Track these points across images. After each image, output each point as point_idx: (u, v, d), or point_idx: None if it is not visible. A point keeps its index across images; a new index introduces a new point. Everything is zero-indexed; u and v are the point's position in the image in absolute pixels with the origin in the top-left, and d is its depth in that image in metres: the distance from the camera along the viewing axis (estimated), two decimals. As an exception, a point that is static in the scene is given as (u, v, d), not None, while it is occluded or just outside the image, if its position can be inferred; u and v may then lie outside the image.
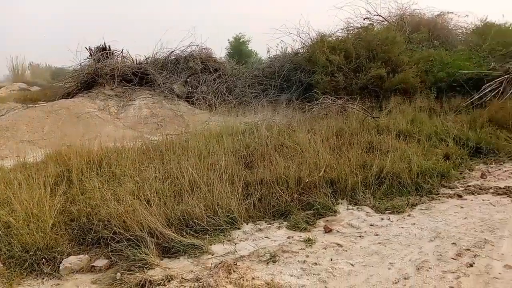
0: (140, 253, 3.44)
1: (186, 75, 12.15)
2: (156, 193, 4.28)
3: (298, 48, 12.02)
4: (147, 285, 3.07)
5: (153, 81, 11.83)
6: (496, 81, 8.75)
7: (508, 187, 4.87)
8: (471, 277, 3.02)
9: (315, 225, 4.13)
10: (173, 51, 13.28)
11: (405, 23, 12.72)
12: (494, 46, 10.91)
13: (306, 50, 11.31)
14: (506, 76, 8.87)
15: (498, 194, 4.70)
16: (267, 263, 3.35)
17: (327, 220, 4.24)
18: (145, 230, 3.65)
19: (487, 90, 8.52)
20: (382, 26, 12.72)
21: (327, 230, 3.95)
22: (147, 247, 3.49)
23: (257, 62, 15.23)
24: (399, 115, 7.61)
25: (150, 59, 13.19)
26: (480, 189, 4.90)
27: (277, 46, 12.90)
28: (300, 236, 3.84)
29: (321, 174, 4.89)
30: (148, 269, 3.31)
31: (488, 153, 6.21)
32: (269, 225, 4.15)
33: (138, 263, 3.37)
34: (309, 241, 3.71)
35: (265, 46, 18.76)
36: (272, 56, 13.17)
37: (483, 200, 4.59)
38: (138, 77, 12.08)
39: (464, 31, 14.16)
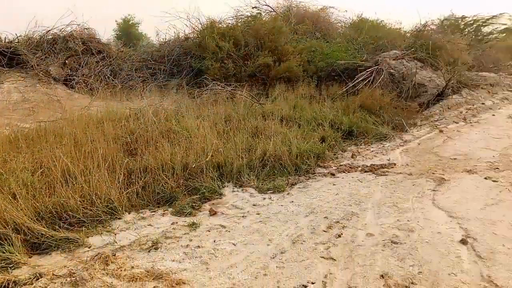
0: (4, 252, 3.09)
1: (65, 57, 11.08)
2: (24, 185, 3.86)
3: (189, 33, 11.83)
4: (11, 286, 2.77)
5: (26, 63, 10.51)
6: (367, 71, 9.74)
7: (373, 165, 5.49)
8: (339, 246, 3.34)
9: (201, 209, 4.16)
10: (50, 30, 11.96)
11: (291, 14, 13.35)
12: (367, 40, 12.11)
13: (196, 35, 11.18)
14: (375, 67, 9.94)
15: (365, 172, 5.28)
16: (149, 251, 3.28)
17: (213, 203, 4.30)
18: (9, 227, 3.28)
19: (359, 79, 9.45)
20: (270, 16, 13.20)
21: (212, 213, 4.01)
22: (12, 244, 3.15)
23: (147, 45, 14.59)
24: (283, 101, 8.02)
25: (22, 37, 11.70)
26: (350, 167, 5.44)
27: (167, 30, 12.53)
28: (185, 221, 3.83)
29: (208, 158, 4.93)
30: (14, 269, 3.00)
31: (358, 136, 6.91)
32: (153, 213, 4.06)
33: (1, 263, 3.02)
34: (193, 225, 3.73)
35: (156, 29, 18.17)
36: (162, 39, 12.75)
37: (352, 177, 5.09)
38: (7, 58, 10.64)
39: (343, 25, 15.43)
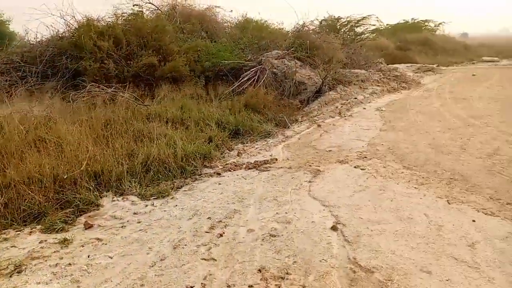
0: None
1: None
2: None
3: (64, 32, 10.86)
4: None
5: None
6: (252, 71, 10.04)
7: (257, 161, 5.67)
8: (220, 246, 3.37)
9: (75, 223, 3.85)
10: None
11: (176, 13, 13.12)
12: (252, 40, 12.49)
13: (72, 34, 10.32)
14: (259, 66, 10.30)
15: (249, 169, 5.43)
16: (10, 276, 2.93)
17: (89, 216, 4.01)
18: None
19: (245, 79, 9.70)
20: (155, 14, 12.81)
21: (88, 226, 3.74)
22: None
23: (17, 45, 13.01)
24: (170, 102, 7.86)
25: None
26: (236, 165, 5.54)
27: (38, 29, 11.30)
28: (56, 238, 3.51)
29: (83, 167, 4.59)
30: None
31: (245, 134, 7.07)
32: (18, 232, 3.63)
33: None
34: (65, 242, 3.43)
35: (34, 28, 16.44)
36: (34, 39, 11.50)
37: (237, 175, 5.18)
38: None
39: (229, 25, 15.69)
